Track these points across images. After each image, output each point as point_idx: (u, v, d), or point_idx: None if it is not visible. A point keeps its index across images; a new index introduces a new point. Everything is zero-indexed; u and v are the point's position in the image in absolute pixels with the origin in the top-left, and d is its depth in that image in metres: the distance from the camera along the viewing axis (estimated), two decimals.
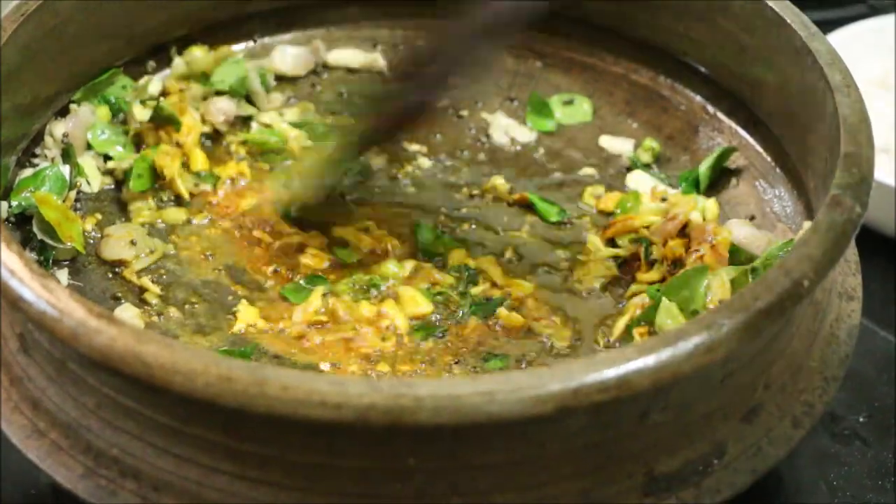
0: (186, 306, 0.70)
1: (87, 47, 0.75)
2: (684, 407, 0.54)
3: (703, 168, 0.77)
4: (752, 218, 0.74)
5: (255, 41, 0.86)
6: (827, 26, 0.90)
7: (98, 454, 0.55)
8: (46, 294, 0.52)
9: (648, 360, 0.49)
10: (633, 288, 0.71)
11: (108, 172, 0.77)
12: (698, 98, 0.80)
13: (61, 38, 0.72)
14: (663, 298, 0.66)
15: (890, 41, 0.96)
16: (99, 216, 0.74)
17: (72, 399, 0.56)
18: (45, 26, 0.70)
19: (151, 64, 0.81)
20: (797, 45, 0.68)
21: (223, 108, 0.81)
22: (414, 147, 0.82)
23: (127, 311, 0.69)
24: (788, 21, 0.69)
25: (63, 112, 0.76)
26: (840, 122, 0.61)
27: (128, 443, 0.54)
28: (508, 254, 0.75)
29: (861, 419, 0.74)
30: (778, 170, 0.74)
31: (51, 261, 0.70)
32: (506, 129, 0.84)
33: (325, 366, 0.66)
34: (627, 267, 0.73)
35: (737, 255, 0.68)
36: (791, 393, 0.59)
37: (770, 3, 0.71)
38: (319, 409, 0.48)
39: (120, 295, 0.70)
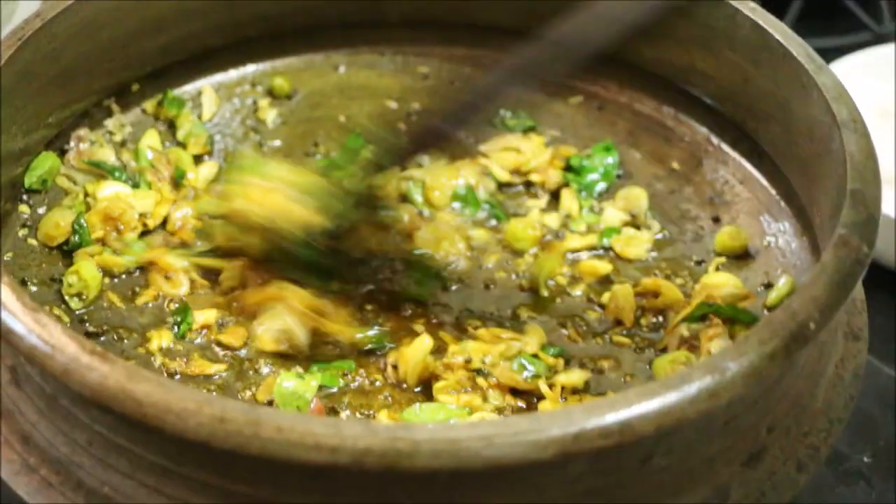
0: None
1: (84, 72, 0.74)
2: (687, 451, 0.53)
3: None
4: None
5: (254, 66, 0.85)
6: (832, 54, 0.90)
7: (89, 492, 0.54)
8: (38, 328, 0.52)
9: (651, 405, 0.48)
10: None
11: None
12: (702, 129, 0.79)
13: (58, 62, 0.71)
14: None
15: (891, 70, 0.95)
16: None
17: (63, 435, 0.55)
18: (42, 50, 0.69)
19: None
20: (803, 79, 0.67)
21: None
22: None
23: None
24: (794, 54, 0.68)
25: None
26: (847, 159, 0.60)
27: (119, 481, 0.53)
28: None
29: (865, 458, 0.73)
30: (783, 203, 0.73)
31: None
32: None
33: None
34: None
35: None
36: (795, 436, 0.58)
37: (776, 35, 0.70)
38: (314, 451, 0.47)
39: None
